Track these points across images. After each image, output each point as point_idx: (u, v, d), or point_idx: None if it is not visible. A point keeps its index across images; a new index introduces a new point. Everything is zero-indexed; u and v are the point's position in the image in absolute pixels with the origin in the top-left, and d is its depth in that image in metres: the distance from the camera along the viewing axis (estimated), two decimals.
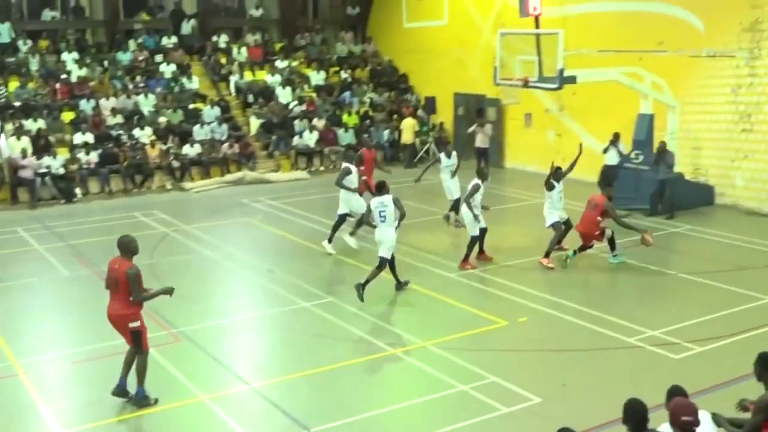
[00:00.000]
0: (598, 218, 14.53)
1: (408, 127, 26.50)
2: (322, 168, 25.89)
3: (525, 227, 17.90)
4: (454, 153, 17.91)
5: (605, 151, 19.59)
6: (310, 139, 25.83)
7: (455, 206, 17.79)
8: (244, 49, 29.16)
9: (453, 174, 17.69)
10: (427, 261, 15.20)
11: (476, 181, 14.65)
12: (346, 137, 26.49)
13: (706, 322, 11.79)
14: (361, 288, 12.83)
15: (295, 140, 25.76)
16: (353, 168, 16.22)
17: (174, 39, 28.83)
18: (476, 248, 14.89)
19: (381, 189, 13.40)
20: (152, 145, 23.54)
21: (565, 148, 23.35)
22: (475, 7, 26.53)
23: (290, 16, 31.36)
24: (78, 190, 22.14)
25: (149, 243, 16.14)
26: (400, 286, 13.59)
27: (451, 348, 11.06)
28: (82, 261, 15.84)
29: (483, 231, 14.82)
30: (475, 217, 14.50)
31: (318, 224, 18.51)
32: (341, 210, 16.13)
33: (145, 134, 24.02)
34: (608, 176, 19.31)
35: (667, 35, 20.14)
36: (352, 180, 16.07)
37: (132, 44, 28.03)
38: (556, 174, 15.11)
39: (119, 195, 22.55)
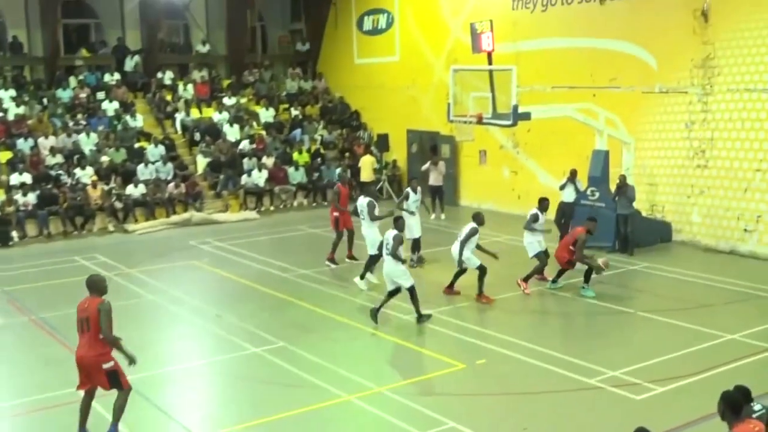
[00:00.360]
0: (571, 247, 15.13)
1: (367, 164, 26.54)
2: (272, 208, 25.77)
3: None
4: (419, 188, 18.17)
5: (562, 187, 19.80)
6: (259, 178, 25.72)
7: (415, 246, 17.83)
8: (190, 86, 29.04)
9: (426, 209, 18.16)
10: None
11: (473, 224, 15.04)
12: (296, 176, 26.44)
13: (667, 361, 11.87)
14: (422, 318, 13.70)
15: (244, 179, 25.62)
16: (375, 202, 16.85)
17: (117, 76, 28.61)
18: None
19: (396, 222, 14.04)
20: (94, 185, 23.18)
21: (521, 185, 23.64)
22: (428, 43, 26.85)
23: (238, 52, 31.38)
24: (15, 234, 21.65)
25: None
26: (376, 314, 13.74)
27: (408, 393, 10.95)
28: (19, 308, 15.42)
29: (464, 271, 15.24)
30: (460, 262, 14.92)
31: (268, 266, 18.33)
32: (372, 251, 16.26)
33: (86, 174, 23.66)
34: (565, 213, 19.54)
35: (620, 71, 20.59)
36: (377, 213, 16.73)
37: (73, 81, 27.74)
38: (542, 205, 16.15)
39: (59, 238, 22.11)
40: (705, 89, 19.03)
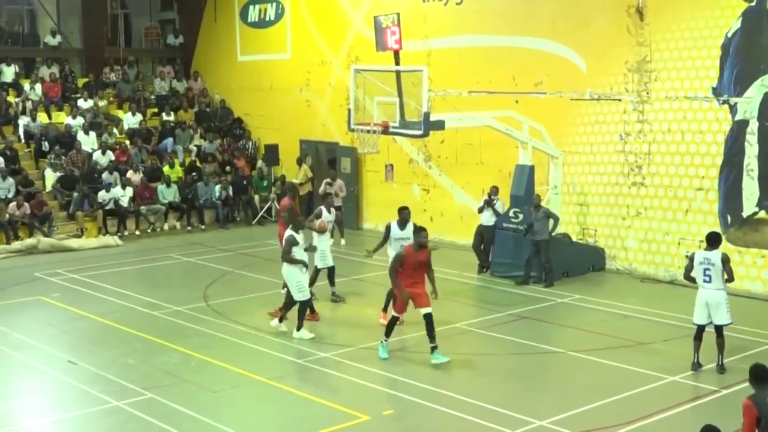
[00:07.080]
0: None
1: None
2: (137, 232, 25.44)
3: None
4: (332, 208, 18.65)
5: (481, 210, 20.14)
6: (122, 196, 25.35)
7: (331, 276, 17.83)
8: (38, 86, 28.47)
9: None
10: (267, 344, 15.09)
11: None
12: (167, 193, 26.15)
13: (601, 408, 12.17)
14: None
15: (103, 197, 25.20)
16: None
17: None
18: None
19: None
20: None
21: (435, 204, 23.98)
22: (324, 38, 27.03)
23: (96, 45, 30.96)
24: None
25: None
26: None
27: None
28: None
29: None
30: None
31: (133, 302, 18.05)
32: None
33: None
34: (484, 238, 19.88)
35: (546, 75, 21.12)
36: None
37: None
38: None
39: None
40: (641, 96, 19.70)
